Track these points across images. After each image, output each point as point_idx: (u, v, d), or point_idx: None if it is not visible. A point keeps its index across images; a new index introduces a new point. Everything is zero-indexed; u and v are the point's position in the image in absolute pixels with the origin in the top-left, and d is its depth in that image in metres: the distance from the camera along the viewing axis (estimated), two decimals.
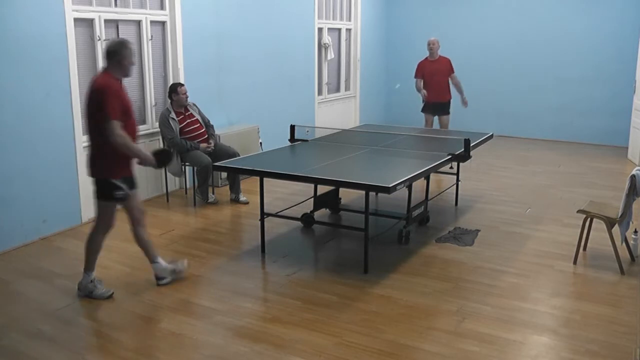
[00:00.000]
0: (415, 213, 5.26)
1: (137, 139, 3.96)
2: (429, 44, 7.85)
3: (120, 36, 5.95)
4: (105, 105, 3.65)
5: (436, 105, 7.84)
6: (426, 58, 7.94)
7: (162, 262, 4.22)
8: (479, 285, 4.24)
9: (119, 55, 3.78)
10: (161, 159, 4.10)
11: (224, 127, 6.94)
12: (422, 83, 7.88)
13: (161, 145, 6.34)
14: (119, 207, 4.03)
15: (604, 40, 9.42)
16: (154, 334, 3.61)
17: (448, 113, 7.90)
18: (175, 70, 6.53)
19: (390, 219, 5.31)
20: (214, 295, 4.14)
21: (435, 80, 7.81)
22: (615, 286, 4.26)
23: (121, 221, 5.68)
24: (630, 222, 4.52)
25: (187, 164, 6.16)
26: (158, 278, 4.23)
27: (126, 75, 3.89)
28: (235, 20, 7.25)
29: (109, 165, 3.83)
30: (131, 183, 3.97)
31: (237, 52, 7.34)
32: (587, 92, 9.68)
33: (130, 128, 3.83)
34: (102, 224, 4.02)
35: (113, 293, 4.07)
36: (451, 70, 7.88)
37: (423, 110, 8.00)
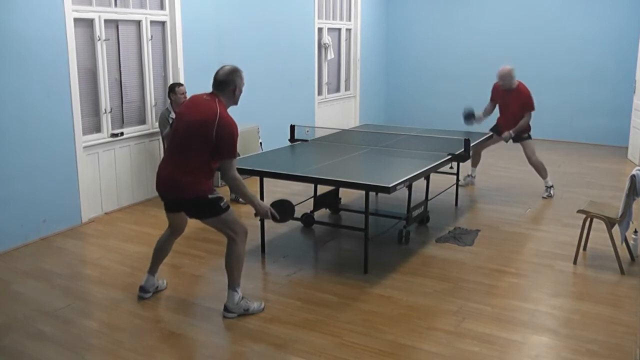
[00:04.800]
0: (415, 213, 5.26)
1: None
2: (498, 77, 6.64)
3: (121, 36, 5.96)
4: (233, 142, 3.55)
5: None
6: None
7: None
8: (479, 285, 4.24)
9: (233, 85, 3.67)
10: (282, 212, 3.86)
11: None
12: (491, 108, 6.85)
13: (161, 147, 6.34)
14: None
15: (604, 40, 9.42)
16: (154, 334, 3.61)
17: (524, 139, 6.67)
18: (175, 70, 6.53)
19: (390, 219, 5.31)
20: (214, 295, 4.13)
21: (508, 113, 6.76)
22: (615, 286, 4.26)
23: (121, 221, 5.71)
24: (630, 222, 4.52)
25: None
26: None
27: (234, 104, 3.77)
28: (235, 20, 7.25)
29: (207, 184, 3.66)
30: None
31: (237, 52, 7.33)
32: (587, 92, 9.68)
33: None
34: (240, 235, 3.74)
35: (264, 306, 3.87)
36: (526, 107, 6.60)
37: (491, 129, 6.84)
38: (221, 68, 3.73)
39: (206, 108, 3.60)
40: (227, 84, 3.67)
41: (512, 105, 6.67)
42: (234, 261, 3.76)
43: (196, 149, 3.58)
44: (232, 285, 3.77)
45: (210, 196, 3.65)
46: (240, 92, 3.76)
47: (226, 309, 3.77)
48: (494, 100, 6.89)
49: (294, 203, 5.63)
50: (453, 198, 6.31)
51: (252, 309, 3.80)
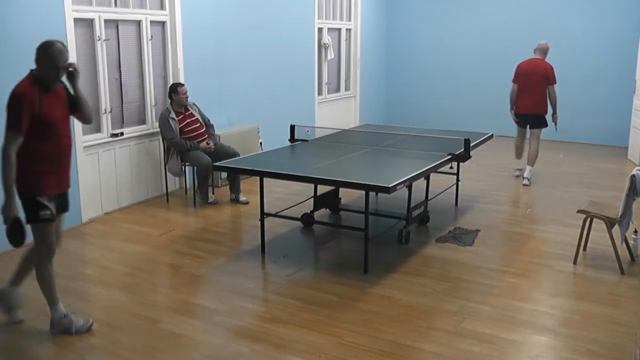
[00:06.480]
0: (415, 213, 5.27)
1: (64, 159, 3.43)
2: None
3: (121, 36, 5.96)
4: (10, 111, 3.20)
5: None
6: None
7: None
8: (479, 285, 4.24)
9: (40, 61, 3.32)
10: (13, 233, 3.29)
11: (224, 127, 6.94)
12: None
13: (161, 147, 6.33)
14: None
15: (604, 40, 9.42)
16: (154, 334, 3.60)
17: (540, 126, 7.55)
18: (175, 70, 6.53)
19: (390, 219, 5.31)
20: (214, 295, 4.14)
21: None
22: (615, 286, 4.26)
23: (121, 221, 5.71)
24: (630, 222, 4.52)
25: (187, 164, 6.16)
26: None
27: (46, 84, 3.35)
28: (235, 20, 7.24)
29: (34, 179, 3.30)
30: (61, 203, 3.47)
31: (237, 52, 7.33)
32: (587, 92, 9.67)
33: (50, 145, 3.31)
34: (42, 250, 3.44)
35: (93, 322, 3.62)
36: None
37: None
38: None
39: None
40: (36, 58, 3.33)
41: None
42: (40, 280, 3.51)
43: None
44: (49, 303, 3.54)
45: (37, 197, 3.28)
46: (49, 69, 3.31)
47: (51, 323, 3.56)
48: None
49: (294, 203, 5.63)
50: (453, 198, 6.31)
51: (74, 328, 3.52)
